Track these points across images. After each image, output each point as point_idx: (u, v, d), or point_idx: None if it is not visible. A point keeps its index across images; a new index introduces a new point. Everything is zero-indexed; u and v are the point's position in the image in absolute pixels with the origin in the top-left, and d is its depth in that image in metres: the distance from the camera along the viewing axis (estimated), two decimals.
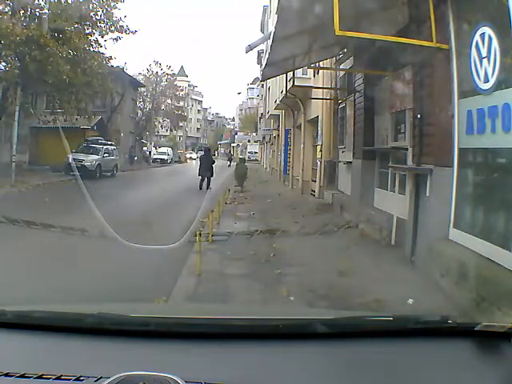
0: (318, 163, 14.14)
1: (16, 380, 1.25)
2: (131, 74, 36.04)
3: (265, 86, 30.52)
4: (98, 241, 6.00)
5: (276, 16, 9.00)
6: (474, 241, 4.78)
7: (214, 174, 17.88)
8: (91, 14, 18.96)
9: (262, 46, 25.23)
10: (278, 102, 20.99)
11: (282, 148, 23.89)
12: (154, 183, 21.85)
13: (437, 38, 5.34)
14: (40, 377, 1.26)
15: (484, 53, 4.61)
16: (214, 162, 18.48)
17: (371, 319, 1.75)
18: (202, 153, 19.50)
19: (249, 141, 58.79)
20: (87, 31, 19.33)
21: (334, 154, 13.00)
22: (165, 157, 44.82)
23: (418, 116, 6.04)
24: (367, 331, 1.55)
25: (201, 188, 16.80)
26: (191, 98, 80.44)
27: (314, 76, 15.41)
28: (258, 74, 36.19)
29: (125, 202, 12.89)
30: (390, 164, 7.81)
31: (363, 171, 9.16)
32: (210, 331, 1.54)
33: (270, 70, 12.23)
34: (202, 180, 17.12)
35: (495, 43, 4.42)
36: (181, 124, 61.69)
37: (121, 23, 19.50)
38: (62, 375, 1.26)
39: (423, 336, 1.51)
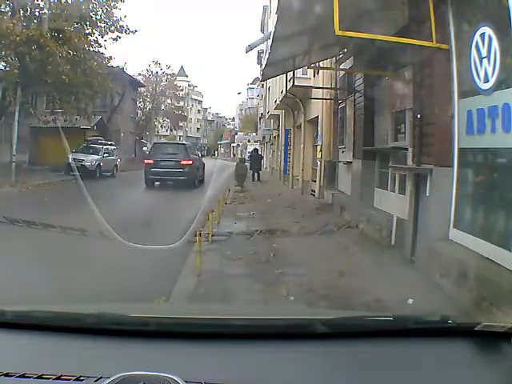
0: (318, 163, 14.14)
1: (16, 380, 1.25)
2: (131, 74, 36.06)
3: (265, 85, 30.50)
4: (98, 241, 6.00)
5: (276, 16, 9.01)
6: (474, 241, 4.78)
7: (262, 168, 23.67)
8: (91, 14, 18.98)
9: (262, 46, 25.20)
10: (277, 102, 20.99)
11: (282, 148, 23.89)
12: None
13: (437, 38, 5.34)
14: (40, 377, 1.26)
15: (484, 53, 4.61)
16: (262, 157, 24.88)
17: (371, 319, 1.75)
18: (253, 152, 24.16)
19: (249, 141, 58.63)
20: (87, 31, 19.34)
21: (334, 154, 12.99)
22: None
23: (418, 116, 6.04)
24: (367, 331, 1.54)
25: (253, 180, 21.28)
26: (191, 98, 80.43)
27: (314, 76, 15.40)
28: (258, 74, 36.19)
29: (125, 202, 12.90)
30: (389, 164, 7.80)
31: (363, 171, 9.15)
32: (210, 331, 1.54)
33: (270, 70, 12.24)
34: (253, 174, 21.96)
35: (495, 43, 4.42)
36: (181, 124, 61.69)
37: (121, 23, 19.55)
38: (61, 375, 1.26)
39: (423, 336, 1.51)
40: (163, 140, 53.01)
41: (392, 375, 1.35)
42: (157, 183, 18.00)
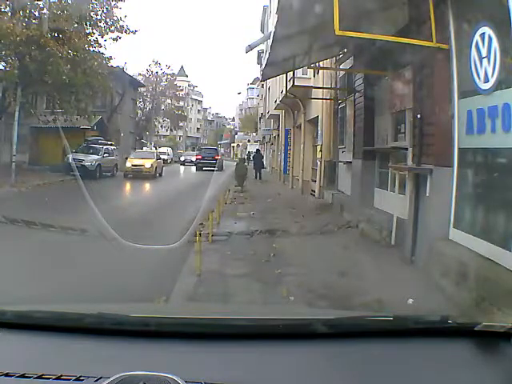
0: (318, 163, 14.14)
1: (16, 380, 1.25)
2: (131, 74, 36.08)
3: (265, 85, 30.51)
4: (98, 241, 6.00)
5: (276, 16, 9.01)
6: (474, 241, 4.78)
7: (264, 167, 27.74)
8: (91, 13, 18.96)
9: (262, 46, 25.22)
10: (278, 101, 20.99)
11: (282, 148, 23.93)
12: (154, 183, 21.84)
13: (437, 37, 5.34)
14: (40, 377, 1.26)
15: (484, 53, 4.61)
16: (263, 157, 28.30)
17: (371, 319, 1.75)
18: (255, 152, 27.45)
19: (249, 141, 58.70)
20: (87, 31, 19.32)
21: (333, 154, 13.00)
22: (165, 157, 44.63)
23: (418, 116, 6.04)
24: (367, 331, 1.54)
25: (256, 178, 23.11)
26: (191, 98, 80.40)
27: (314, 76, 15.40)
28: (258, 74, 36.22)
29: (125, 202, 12.90)
30: (389, 164, 7.81)
31: (363, 171, 9.16)
32: (210, 331, 1.54)
33: (270, 69, 12.24)
34: (256, 172, 23.82)
35: (495, 43, 4.42)
36: (181, 124, 61.71)
37: (121, 23, 19.53)
38: (61, 375, 1.26)
39: (423, 336, 1.51)
40: (162, 140, 55.90)
41: (392, 375, 1.35)
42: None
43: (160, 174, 24.92)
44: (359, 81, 9.68)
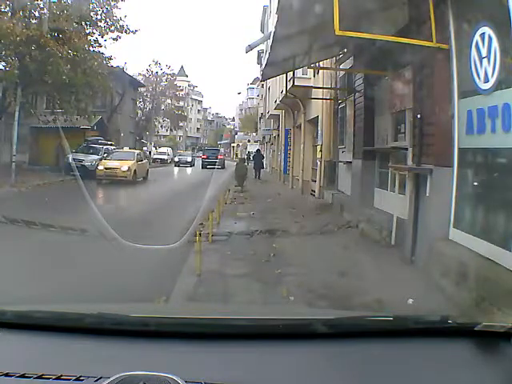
0: (318, 163, 14.14)
1: (16, 380, 1.25)
2: (131, 74, 36.10)
3: (265, 85, 30.51)
4: (98, 241, 6.00)
5: (276, 16, 9.01)
6: (474, 241, 4.78)
7: (264, 167, 28.49)
8: (91, 13, 18.98)
9: (262, 46, 25.22)
10: (278, 101, 20.99)
11: (282, 148, 23.93)
12: (154, 183, 21.83)
13: (437, 37, 5.34)
14: (40, 377, 1.26)
15: (484, 53, 4.61)
16: (263, 157, 29.29)
17: (371, 319, 1.75)
18: (256, 152, 28.01)
19: (249, 141, 58.66)
20: (87, 31, 19.34)
21: (334, 154, 13.00)
22: (165, 157, 44.78)
23: (418, 116, 6.04)
24: (367, 331, 1.54)
25: (255, 178, 23.38)
26: (191, 98, 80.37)
27: (314, 76, 15.40)
28: (258, 74, 36.24)
29: (124, 202, 12.88)
30: (389, 164, 7.81)
31: (363, 171, 9.15)
32: (210, 331, 1.54)
33: (270, 69, 12.24)
34: (256, 172, 24.28)
35: (495, 43, 4.42)
36: (181, 124, 61.70)
37: (121, 23, 19.54)
38: (62, 375, 1.26)
39: (423, 336, 1.51)
40: (162, 140, 57.43)
41: (392, 375, 1.35)
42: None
43: (144, 178, 21.47)
44: (359, 81, 9.68)
